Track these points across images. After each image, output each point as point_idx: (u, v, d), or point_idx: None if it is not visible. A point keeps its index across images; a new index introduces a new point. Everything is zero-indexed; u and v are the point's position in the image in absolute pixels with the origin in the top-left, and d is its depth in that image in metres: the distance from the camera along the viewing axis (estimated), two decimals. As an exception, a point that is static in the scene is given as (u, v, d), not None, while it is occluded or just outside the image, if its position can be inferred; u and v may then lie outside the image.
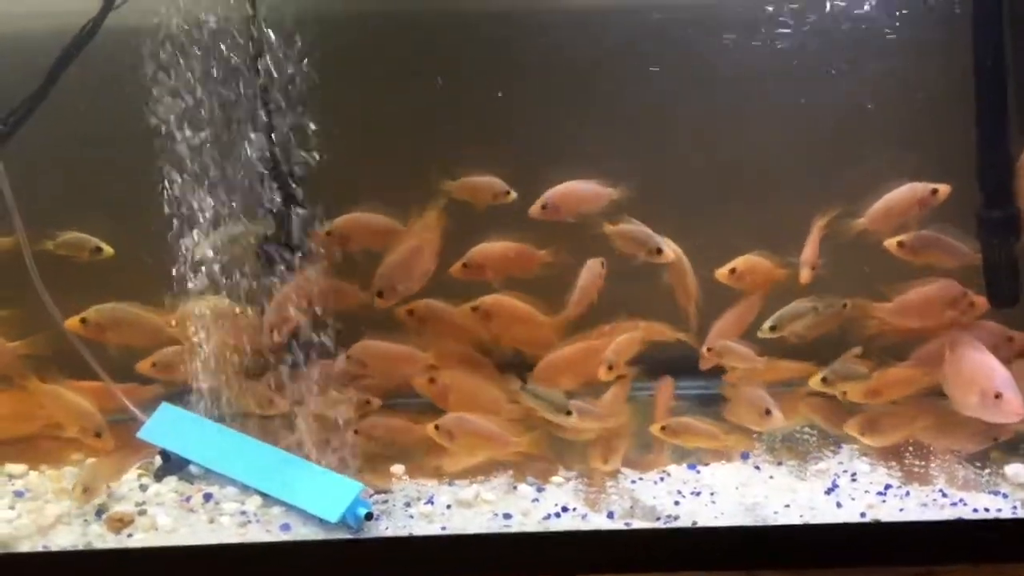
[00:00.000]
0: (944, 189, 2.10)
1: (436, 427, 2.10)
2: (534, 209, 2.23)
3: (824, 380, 2.20)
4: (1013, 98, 2.05)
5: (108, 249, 2.30)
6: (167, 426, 2.16)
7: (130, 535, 1.92)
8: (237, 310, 2.17)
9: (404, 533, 1.91)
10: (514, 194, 2.25)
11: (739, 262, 2.22)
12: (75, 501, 1.98)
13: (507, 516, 1.96)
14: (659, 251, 2.23)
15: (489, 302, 2.25)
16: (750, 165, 2.31)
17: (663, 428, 2.14)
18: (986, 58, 2.06)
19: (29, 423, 2.25)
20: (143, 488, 2.07)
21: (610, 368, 2.19)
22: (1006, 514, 1.88)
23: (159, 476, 2.10)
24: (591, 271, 2.26)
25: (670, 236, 2.26)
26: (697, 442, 2.13)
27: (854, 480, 2.02)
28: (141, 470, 2.13)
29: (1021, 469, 1.98)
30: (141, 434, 2.16)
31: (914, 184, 2.11)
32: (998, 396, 1.89)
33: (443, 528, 1.92)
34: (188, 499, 2.02)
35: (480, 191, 2.26)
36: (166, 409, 2.18)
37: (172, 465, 2.11)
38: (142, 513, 1.97)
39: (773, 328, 2.20)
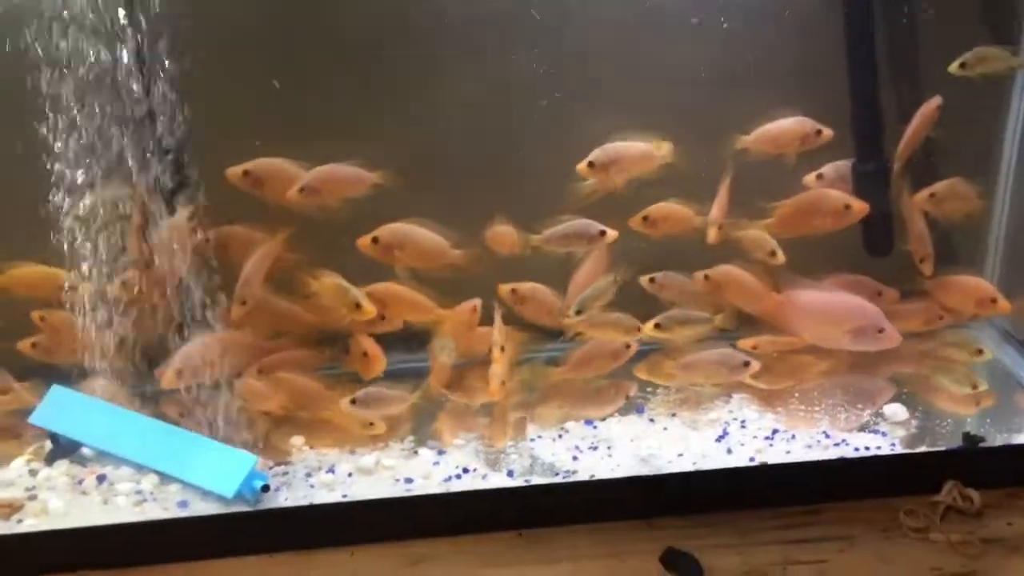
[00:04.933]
0: (828, 132, 2.15)
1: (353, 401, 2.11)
2: (291, 193, 2.14)
3: (658, 326, 2.20)
4: (883, 53, 2.12)
5: None
6: (59, 409, 2.08)
7: (20, 521, 1.87)
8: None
9: (304, 503, 1.91)
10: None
11: (652, 210, 2.20)
12: None
13: (408, 480, 1.98)
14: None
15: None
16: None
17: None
18: (855, 14, 2.11)
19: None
20: (33, 473, 2.01)
21: (503, 349, 2.19)
22: (885, 451, 1.99)
23: (50, 460, 2.04)
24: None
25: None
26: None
27: (743, 427, 2.09)
28: (30, 455, 2.06)
29: (898, 409, 2.09)
30: (32, 419, 2.09)
31: (804, 119, 2.15)
32: (881, 331, 2.06)
33: (344, 496, 1.93)
34: (81, 482, 1.98)
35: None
36: (57, 392, 2.11)
37: (62, 448, 2.06)
38: (32, 498, 1.92)
39: (579, 312, 2.18)
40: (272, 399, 2.11)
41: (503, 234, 2.20)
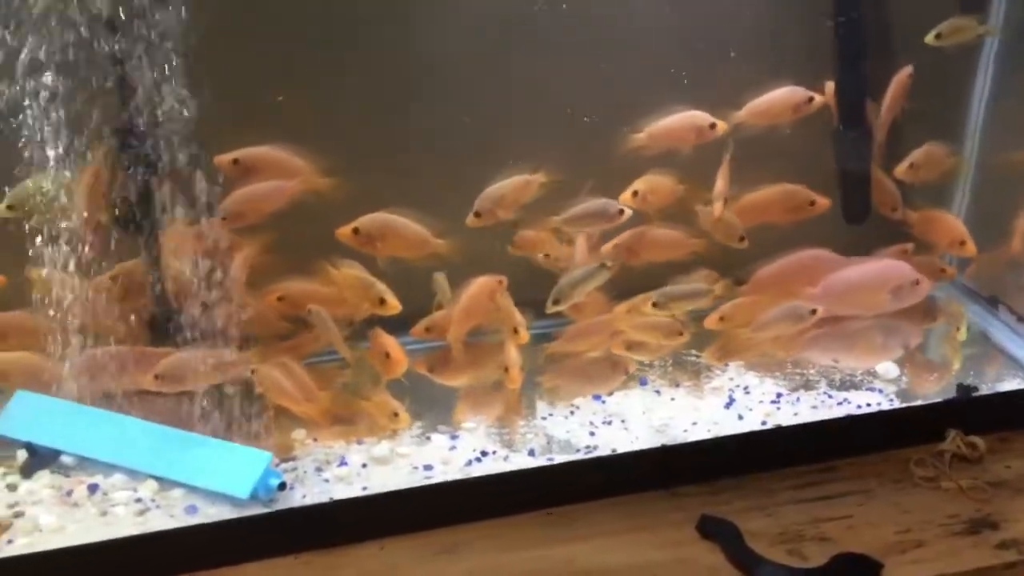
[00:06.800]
0: (819, 99, 2.21)
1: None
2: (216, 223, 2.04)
3: (655, 305, 2.21)
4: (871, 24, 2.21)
5: None
6: (28, 416, 1.91)
7: (10, 541, 1.69)
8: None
9: (324, 499, 1.81)
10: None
11: (640, 184, 2.19)
12: None
13: (428, 467, 1.91)
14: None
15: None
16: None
17: None
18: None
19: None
20: (11, 488, 1.82)
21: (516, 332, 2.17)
22: (885, 407, 2.07)
23: (27, 472, 1.85)
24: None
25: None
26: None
27: (747, 393, 2.13)
28: (5, 468, 1.87)
29: (890, 366, 2.18)
30: (-4, 430, 1.91)
31: (795, 88, 2.20)
32: (917, 282, 2.19)
33: (364, 488, 1.85)
34: (69, 493, 1.81)
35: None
36: (23, 397, 1.93)
37: (41, 458, 1.87)
38: (18, 515, 1.74)
39: (556, 302, 2.15)
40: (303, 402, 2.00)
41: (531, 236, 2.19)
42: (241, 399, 1.96)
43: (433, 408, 2.09)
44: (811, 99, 2.18)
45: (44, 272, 1.93)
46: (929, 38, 2.18)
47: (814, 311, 2.20)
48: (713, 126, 2.16)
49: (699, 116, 2.17)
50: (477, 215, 2.14)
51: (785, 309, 2.21)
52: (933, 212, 2.37)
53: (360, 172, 2.08)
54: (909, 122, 2.30)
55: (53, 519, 1.74)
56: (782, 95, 2.18)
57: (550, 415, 2.07)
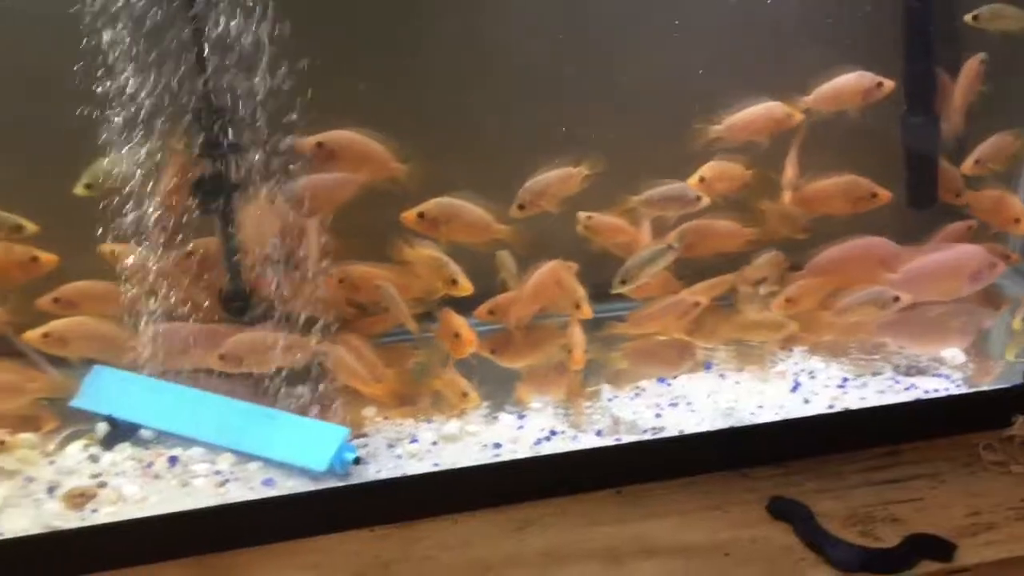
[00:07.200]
0: (889, 84, 2.19)
1: None
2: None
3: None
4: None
5: (30, 226, 2.00)
6: (104, 390, 1.95)
7: (94, 511, 1.73)
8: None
9: (397, 474, 1.84)
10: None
11: (706, 170, 2.20)
12: None
13: (497, 445, 1.93)
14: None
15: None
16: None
17: None
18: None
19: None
20: (94, 459, 1.86)
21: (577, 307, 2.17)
22: (952, 392, 2.07)
23: (108, 444, 1.89)
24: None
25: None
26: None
27: (812, 377, 2.13)
28: (86, 440, 1.91)
29: (956, 352, 2.17)
30: (76, 403, 1.95)
31: (863, 73, 2.18)
32: (994, 265, 2.17)
33: (436, 465, 1.87)
34: (150, 465, 1.84)
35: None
36: (100, 372, 1.97)
37: (121, 431, 1.91)
38: (102, 485, 1.78)
39: (624, 282, 2.13)
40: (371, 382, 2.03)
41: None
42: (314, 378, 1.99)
43: (499, 388, 2.11)
44: (880, 84, 2.16)
45: (117, 249, 1.97)
46: (967, 17, 2.15)
47: (897, 298, 2.18)
48: (789, 116, 2.16)
49: (776, 107, 2.17)
50: (521, 207, 2.16)
51: (868, 294, 2.19)
52: (990, 191, 2.32)
53: (429, 157, 2.10)
54: (978, 106, 2.28)
55: (136, 489, 1.78)
56: (851, 80, 2.17)
57: (615, 396, 2.08)
